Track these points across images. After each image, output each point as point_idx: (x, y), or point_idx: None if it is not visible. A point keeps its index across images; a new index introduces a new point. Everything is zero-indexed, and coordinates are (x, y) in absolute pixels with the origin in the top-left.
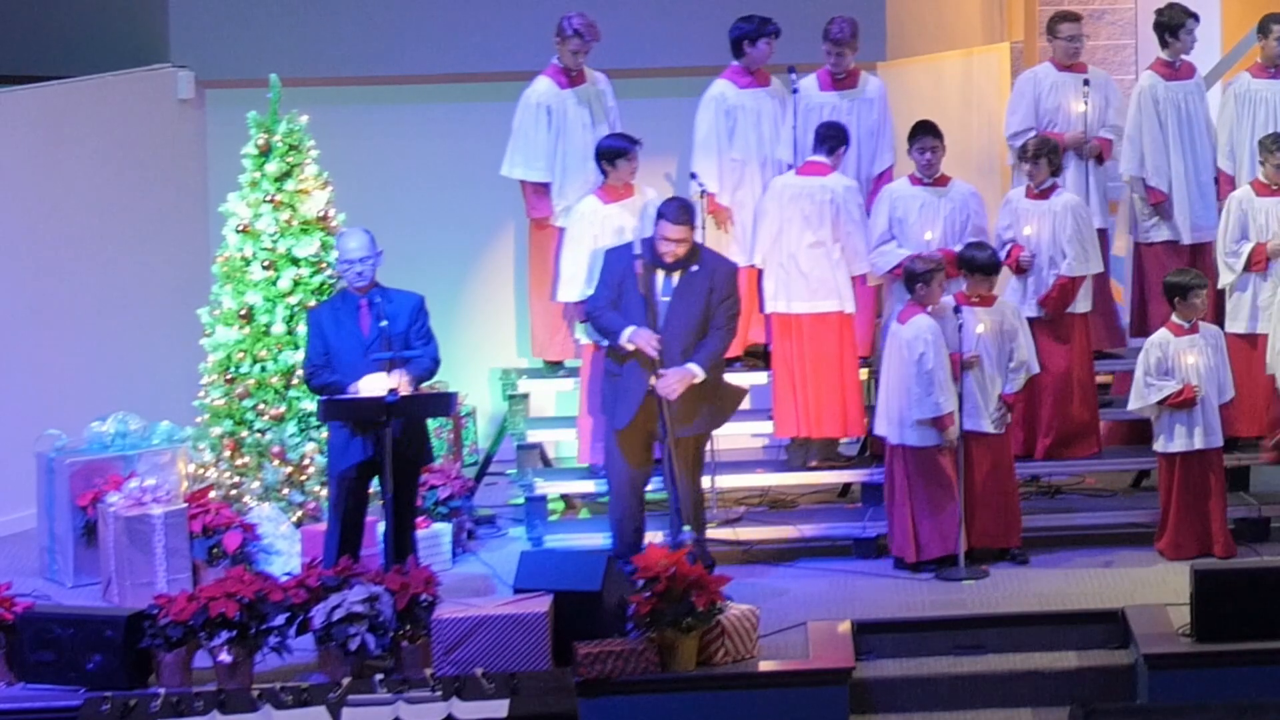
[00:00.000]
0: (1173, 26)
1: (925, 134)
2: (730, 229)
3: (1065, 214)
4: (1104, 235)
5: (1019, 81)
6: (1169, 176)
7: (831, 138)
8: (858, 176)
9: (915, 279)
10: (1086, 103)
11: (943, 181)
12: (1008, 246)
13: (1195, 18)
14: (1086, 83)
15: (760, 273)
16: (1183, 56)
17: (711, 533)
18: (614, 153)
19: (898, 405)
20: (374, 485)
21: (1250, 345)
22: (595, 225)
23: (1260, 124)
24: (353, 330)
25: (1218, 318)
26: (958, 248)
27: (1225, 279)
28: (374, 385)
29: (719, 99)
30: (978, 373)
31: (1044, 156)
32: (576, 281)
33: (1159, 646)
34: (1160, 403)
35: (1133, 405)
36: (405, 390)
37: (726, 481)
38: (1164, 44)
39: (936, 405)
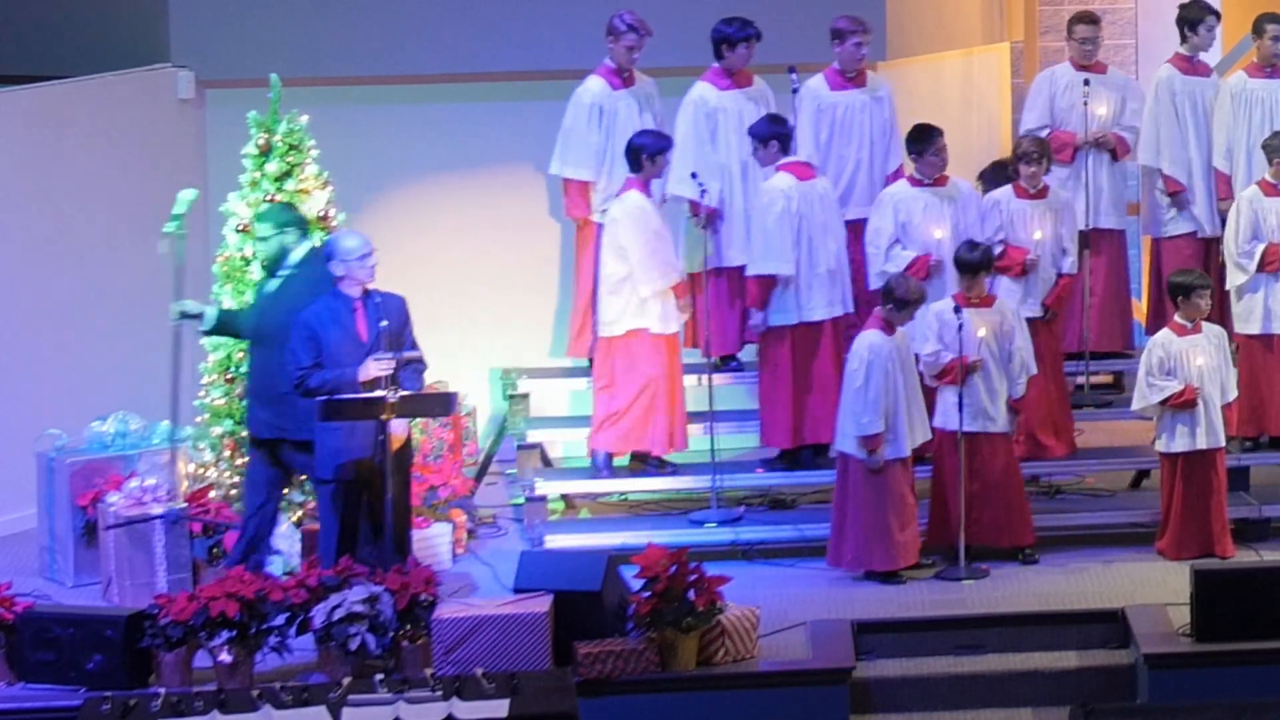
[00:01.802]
0: (1192, 21)
1: (938, 135)
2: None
3: (1064, 211)
4: (1121, 236)
5: (1037, 80)
6: (1188, 167)
7: (786, 133)
8: (870, 177)
9: (889, 299)
10: (1087, 103)
11: (943, 181)
12: (1000, 249)
13: (1215, 14)
14: (1086, 83)
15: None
16: (1201, 55)
17: (712, 533)
18: (656, 151)
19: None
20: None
21: (1265, 346)
22: (650, 219)
23: (1257, 124)
24: (351, 332)
25: (1223, 317)
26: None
27: (1235, 280)
28: (379, 368)
29: (699, 102)
30: (982, 375)
31: (1045, 157)
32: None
33: (1159, 646)
34: (1162, 403)
35: (1135, 405)
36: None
37: (726, 481)
38: (1183, 38)
39: (859, 424)
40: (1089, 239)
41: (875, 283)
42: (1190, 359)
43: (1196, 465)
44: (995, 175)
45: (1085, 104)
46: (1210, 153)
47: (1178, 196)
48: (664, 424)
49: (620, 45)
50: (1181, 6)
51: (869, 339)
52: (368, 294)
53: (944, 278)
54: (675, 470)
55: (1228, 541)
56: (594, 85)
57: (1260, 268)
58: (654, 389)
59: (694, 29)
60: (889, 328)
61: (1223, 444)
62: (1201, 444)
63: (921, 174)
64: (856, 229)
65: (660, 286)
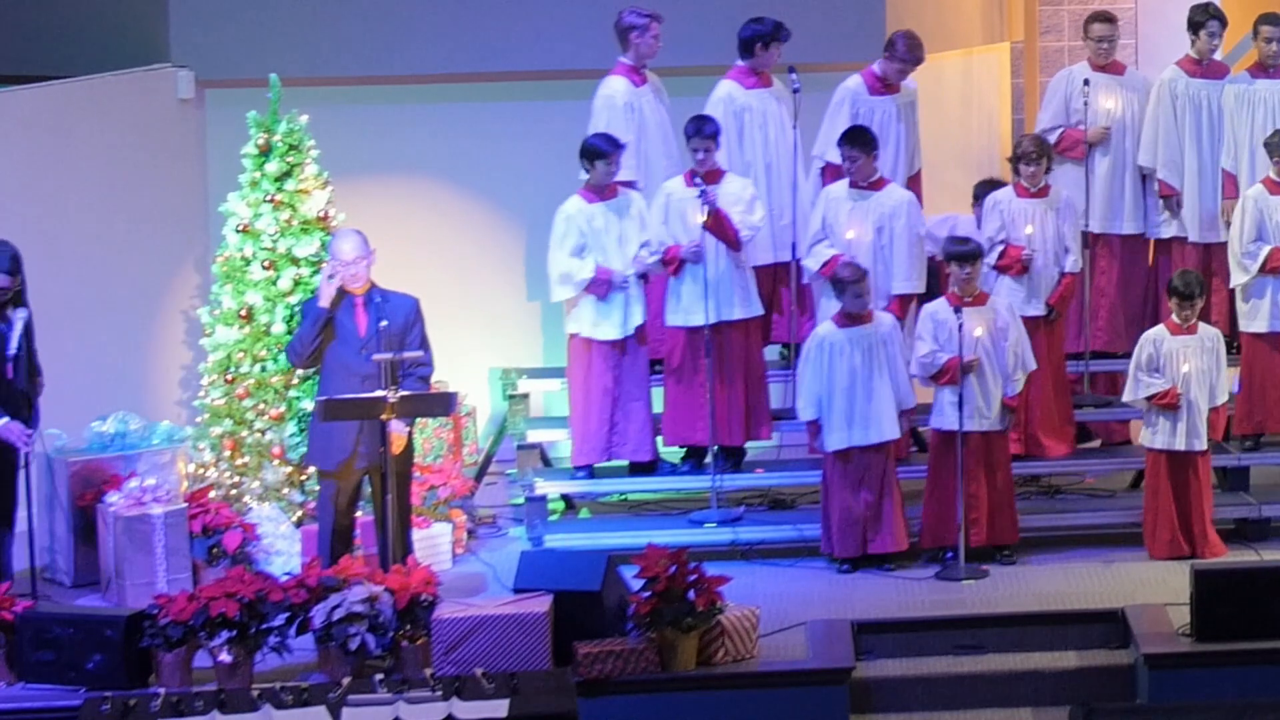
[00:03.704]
0: (1194, 24)
1: (843, 143)
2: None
3: (1067, 210)
4: (1139, 239)
5: (1054, 79)
6: (1181, 172)
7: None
8: (894, 178)
9: (836, 285)
10: (1087, 103)
11: (877, 186)
12: (999, 248)
13: (1219, 20)
14: (1086, 82)
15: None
16: (1213, 56)
17: (712, 533)
18: (595, 153)
19: None
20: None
21: (1270, 345)
22: (581, 223)
23: (1260, 124)
24: (349, 329)
25: (1231, 317)
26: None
27: (1238, 279)
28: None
29: (727, 100)
30: (978, 374)
31: (1045, 156)
32: (568, 281)
33: (1159, 646)
34: (1148, 399)
35: (1125, 397)
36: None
37: (726, 481)
38: (1191, 41)
39: (798, 409)
40: (1100, 240)
41: (804, 276)
42: (1179, 361)
43: (1177, 465)
44: (986, 191)
45: (1085, 104)
46: (1211, 158)
47: (1169, 201)
48: (601, 432)
49: (646, 37)
50: (1192, 7)
51: (819, 329)
52: (372, 291)
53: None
54: (674, 470)
55: (1207, 544)
56: (619, 85)
57: (1264, 269)
58: (593, 396)
59: (704, 28)
60: (844, 319)
61: (1204, 447)
62: (1179, 445)
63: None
64: None
65: (556, 296)
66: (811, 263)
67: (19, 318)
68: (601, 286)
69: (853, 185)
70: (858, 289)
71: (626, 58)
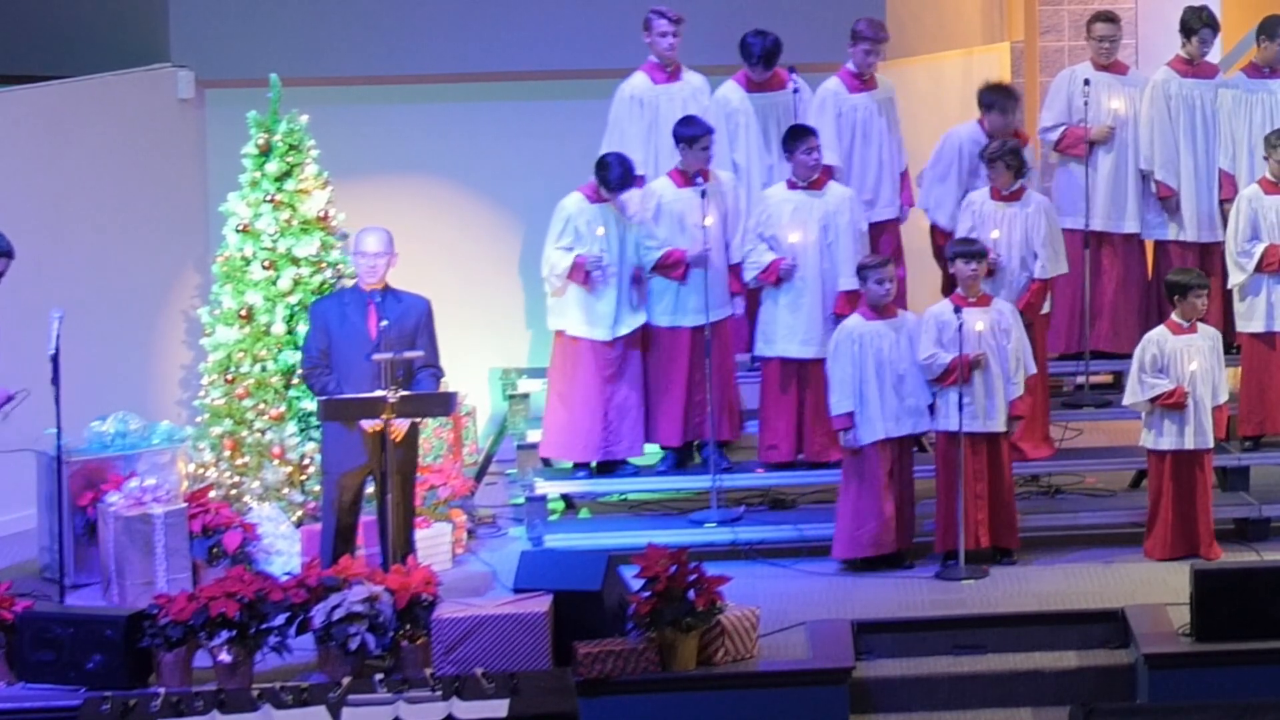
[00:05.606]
0: (1187, 29)
1: (811, 134)
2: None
3: (1038, 215)
4: (1140, 239)
5: (1057, 78)
6: (1178, 172)
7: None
8: (892, 177)
9: (860, 274)
10: (1087, 103)
11: (819, 184)
12: None
13: (1211, 29)
14: (1087, 82)
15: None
16: (1204, 59)
17: (712, 533)
18: (606, 179)
19: None
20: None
21: (1268, 344)
22: (580, 223)
23: (1257, 124)
24: (360, 328)
25: (1227, 316)
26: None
27: (1235, 279)
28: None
29: (723, 101)
30: (981, 374)
31: (1001, 159)
32: (553, 274)
33: (1159, 646)
34: (1152, 400)
35: (1126, 400)
36: (398, 435)
37: (726, 481)
38: (1183, 42)
39: (830, 404)
40: (1104, 239)
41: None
42: (1184, 360)
43: (1184, 465)
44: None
45: (1085, 104)
46: (1206, 156)
47: (1167, 201)
48: (585, 430)
49: (653, 35)
50: (1185, 10)
51: (846, 324)
52: (385, 290)
53: (793, 282)
54: (668, 470)
55: (1213, 544)
56: (636, 80)
57: (1259, 268)
58: (584, 394)
59: (710, 29)
60: (871, 311)
61: (1210, 446)
62: (1189, 444)
63: (798, 174)
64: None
65: (548, 288)
66: (750, 271)
67: (55, 317)
68: (579, 273)
69: (794, 186)
70: (880, 274)
71: (651, 55)
